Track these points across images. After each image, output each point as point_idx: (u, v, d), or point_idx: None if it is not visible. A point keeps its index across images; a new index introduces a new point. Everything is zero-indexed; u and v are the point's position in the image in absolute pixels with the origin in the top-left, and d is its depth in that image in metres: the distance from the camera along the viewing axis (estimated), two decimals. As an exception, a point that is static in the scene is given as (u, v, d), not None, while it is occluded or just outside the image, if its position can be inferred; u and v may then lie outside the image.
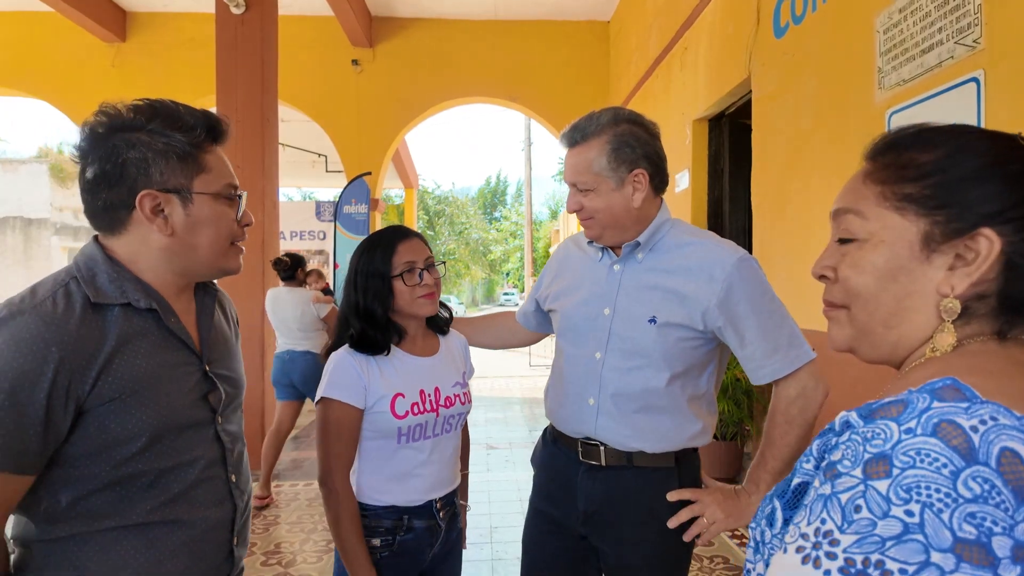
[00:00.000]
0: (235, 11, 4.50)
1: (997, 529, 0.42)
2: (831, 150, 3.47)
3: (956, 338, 0.56)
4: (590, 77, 9.43)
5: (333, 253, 9.06)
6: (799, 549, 0.48)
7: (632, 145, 1.22)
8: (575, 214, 1.28)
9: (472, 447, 5.04)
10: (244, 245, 1.05)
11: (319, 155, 10.20)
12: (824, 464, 0.51)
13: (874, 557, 0.43)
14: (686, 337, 1.24)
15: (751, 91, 4.58)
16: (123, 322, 0.88)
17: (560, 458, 1.35)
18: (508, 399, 7.39)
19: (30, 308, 0.83)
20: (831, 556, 0.45)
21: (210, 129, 0.96)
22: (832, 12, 3.48)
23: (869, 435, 0.48)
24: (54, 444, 0.82)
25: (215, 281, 1.11)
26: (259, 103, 4.41)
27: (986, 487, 0.43)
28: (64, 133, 45.36)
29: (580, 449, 1.31)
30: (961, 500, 0.43)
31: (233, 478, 1.01)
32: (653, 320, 1.23)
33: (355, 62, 9.14)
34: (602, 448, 1.28)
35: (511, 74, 9.39)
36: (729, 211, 5.71)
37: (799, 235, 3.91)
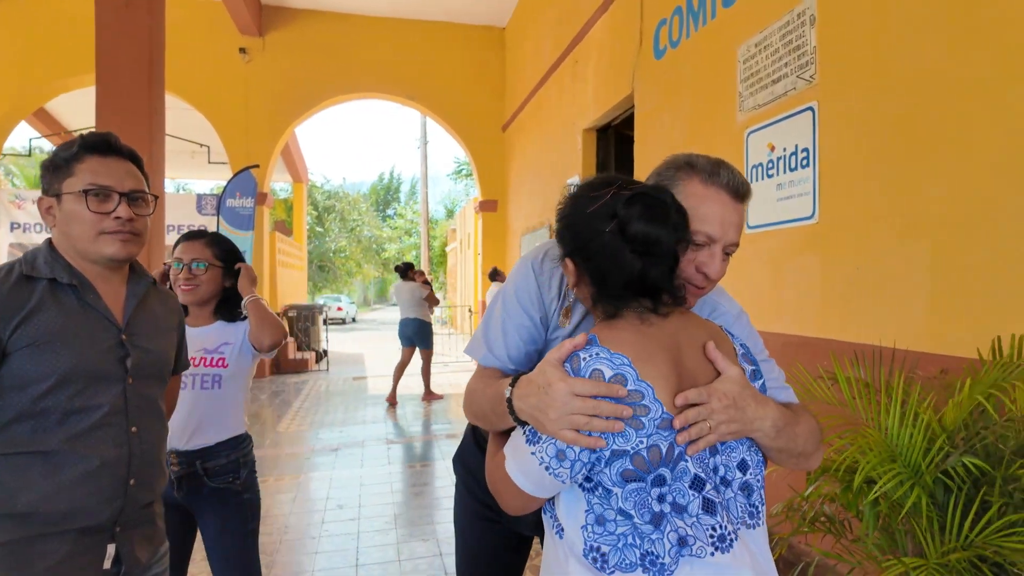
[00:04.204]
0: (116, -7, 4.25)
1: None
2: (701, 163, 3.86)
3: (575, 316, 1.08)
4: (486, 80, 9.64)
5: (219, 249, 8.63)
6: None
7: None
8: (709, 283, 1.04)
9: (427, 439, 5.09)
10: (129, 235, 1.21)
11: (201, 145, 9.66)
12: None
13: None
14: None
15: (634, 105, 4.97)
16: (47, 291, 1.15)
17: None
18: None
19: None
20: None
21: (85, 145, 1.20)
22: (703, 40, 3.90)
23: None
24: None
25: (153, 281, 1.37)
26: (145, 95, 4.13)
27: None
28: None
29: None
30: None
31: (134, 429, 1.21)
32: None
33: (243, 51, 8.76)
34: None
35: (408, 72, 9.39)
36: (615, 214, 6.11)
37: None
